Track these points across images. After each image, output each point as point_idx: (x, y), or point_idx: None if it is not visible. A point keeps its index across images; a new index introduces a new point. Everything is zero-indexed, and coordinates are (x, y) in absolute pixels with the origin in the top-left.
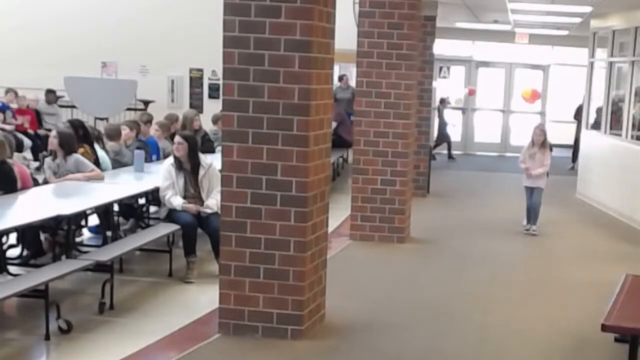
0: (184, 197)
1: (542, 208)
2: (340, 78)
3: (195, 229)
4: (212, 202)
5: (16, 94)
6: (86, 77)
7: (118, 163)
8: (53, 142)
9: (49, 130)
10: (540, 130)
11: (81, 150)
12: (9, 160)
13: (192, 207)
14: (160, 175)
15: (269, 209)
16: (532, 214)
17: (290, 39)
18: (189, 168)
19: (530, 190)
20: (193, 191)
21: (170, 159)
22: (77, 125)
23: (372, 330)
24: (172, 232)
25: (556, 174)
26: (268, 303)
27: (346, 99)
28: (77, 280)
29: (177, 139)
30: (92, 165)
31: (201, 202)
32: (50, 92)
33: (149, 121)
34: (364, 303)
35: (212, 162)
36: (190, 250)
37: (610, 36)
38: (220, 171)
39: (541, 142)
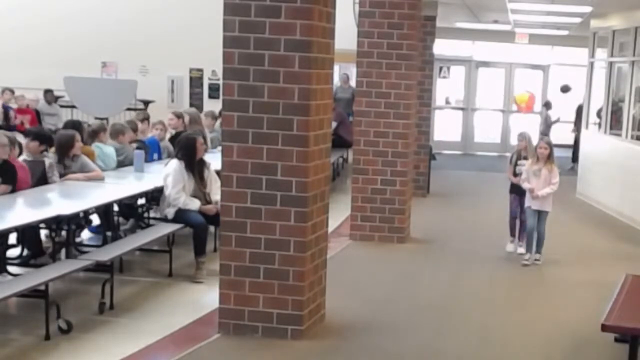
0: (193, 197)
1: None
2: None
3: (207, 229)
4: (219, 197)
5: (12, 92)
6: (86, 77)
7: (127, 159)
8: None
9: (50, 130)
10: (546, 143)
11: None
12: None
13: (212, 207)
14: (169, 178)
15: (269, 209)
16: (534, 241)
17: (290, 39)
18: (201, 168)
19: (536, 214)
20: (202, 191)
21: (177, 161)
22: (73, 128)
23: (372, 330)
24: (172, 232)
25: None
26: (268, 303)
27: (346, 99)
28: (77, 280)
29: (200, 139)
30: (94, 166)
31: (207, 201)
32: (48, 92)
33: (145, 119)
34: (364, 303)
35: (209, 162)
36: (200, 250)
37: (610, 36)
38: (221, 171)
39: (546, 156)
